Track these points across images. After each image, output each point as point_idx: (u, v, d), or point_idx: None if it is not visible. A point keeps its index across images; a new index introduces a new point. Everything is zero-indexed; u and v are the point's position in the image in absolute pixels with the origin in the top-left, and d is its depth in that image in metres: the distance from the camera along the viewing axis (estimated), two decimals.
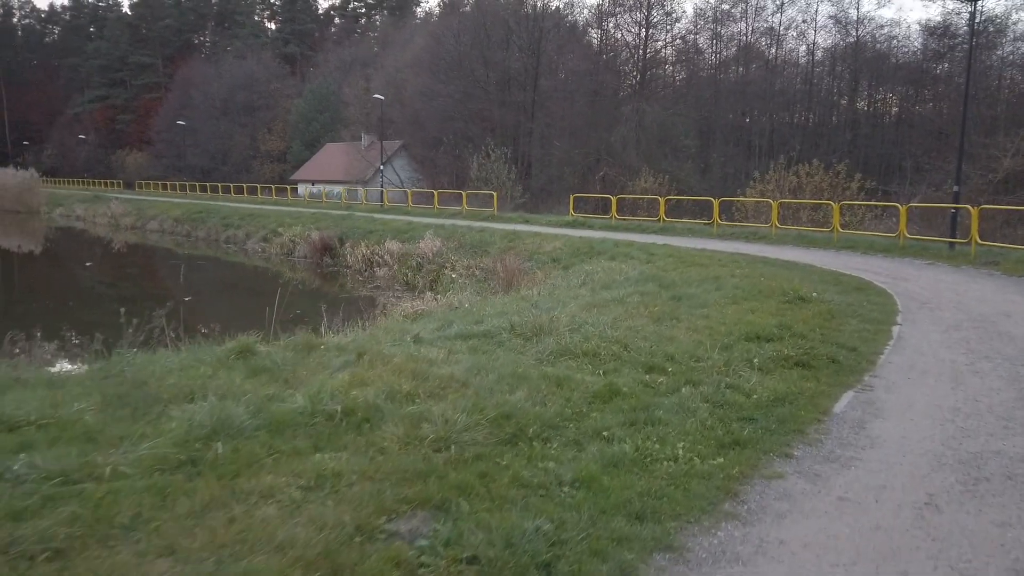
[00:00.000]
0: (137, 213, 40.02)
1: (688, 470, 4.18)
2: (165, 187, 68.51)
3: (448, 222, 26.15)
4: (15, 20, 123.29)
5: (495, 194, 31.58)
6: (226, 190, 59.78)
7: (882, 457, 4.66)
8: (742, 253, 17.88)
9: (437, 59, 50.64)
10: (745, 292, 10.85)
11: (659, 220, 25.47)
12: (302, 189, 61.08)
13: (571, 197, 29.05)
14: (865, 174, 36.35)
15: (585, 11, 66.32)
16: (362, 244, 22.11)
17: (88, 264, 26.10)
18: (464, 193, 32.92)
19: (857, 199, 28.05)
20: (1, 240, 37.92)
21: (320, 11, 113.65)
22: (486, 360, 6.21)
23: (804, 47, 58.25)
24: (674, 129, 40.24)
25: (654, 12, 47.43)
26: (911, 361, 7.28)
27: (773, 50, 56.30)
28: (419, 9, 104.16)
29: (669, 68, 48.98)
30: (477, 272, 16.51)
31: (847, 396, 6.01)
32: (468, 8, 56.62)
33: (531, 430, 4.60)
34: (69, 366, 7.94)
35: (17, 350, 7.34)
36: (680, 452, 4.38)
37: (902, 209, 18.04)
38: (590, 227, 26.50)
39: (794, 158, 30.31)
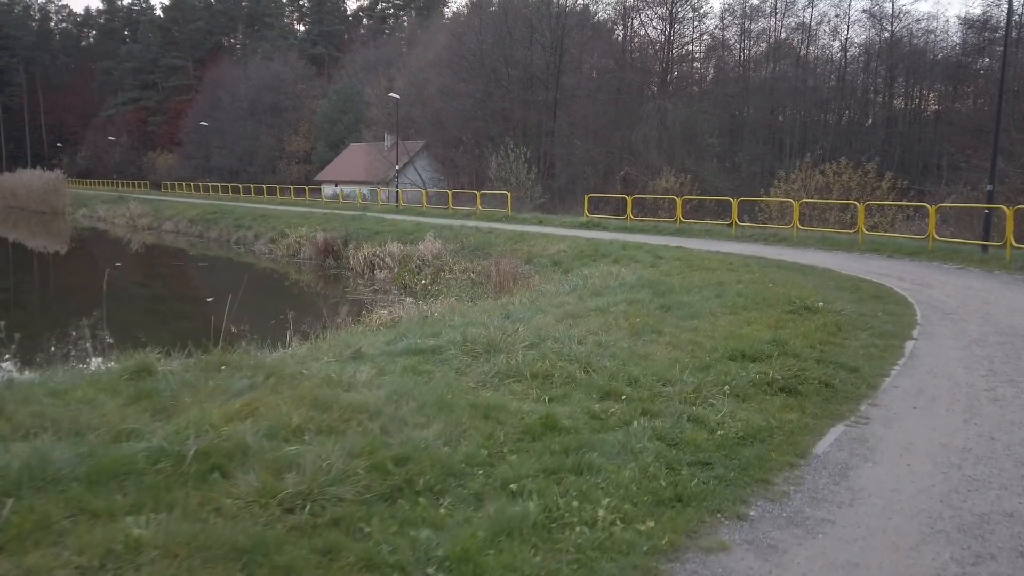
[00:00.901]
0: (154, 214, 39.93)
1: (604, 540, 3.30)
2: (189, 188, 68.88)
3: (458, 223, 25.39)
4: (52, 24, 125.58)
5: (509, 194, 30.74)
6: (249, 191, 59.80)
7: (862, 519, 3.73)
8: (758, 256, 16.84)
9: (459, 58, 49.98)
10: (747, 300, 9.88)
11: (676, 221, 24.40)
12: (328, 190, 60.92)
13: (586, 197, 28.10)
14: (899, 174, 34.88)
15: (609, 8, 65.07)
16: (364, 246, 21.42)
17: (117, 265, 25.87)
18: (478, 193, 32.12)
19: (888, 199, 26.70)
20: (27, 240, 38.17)
21: (348, 12, 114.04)
22: (414, 384, 5.38)
23: (837, 43, 56.56)
24: (698, 127, 39.02)
25: (680, 8, 46.25)
26: (921, 385, 6.29)
27: (804, 46, 54.62)
28: (447, 9, 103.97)
29: (696, 65, 47.72)
30: (472, 275, 15.69)
31: (835, 431, 5.06)
32: (495, 8, 55.86)
33: (424, 480, 3.76)
34: None
35: None
36: (601, 513, 3.50)
37: (931, 209, 16.82)
38: (604, 228, 25.57)
39: (821, 156, 28.98)
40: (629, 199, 25.73)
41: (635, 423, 4.83)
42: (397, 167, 42.08)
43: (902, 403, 5.75)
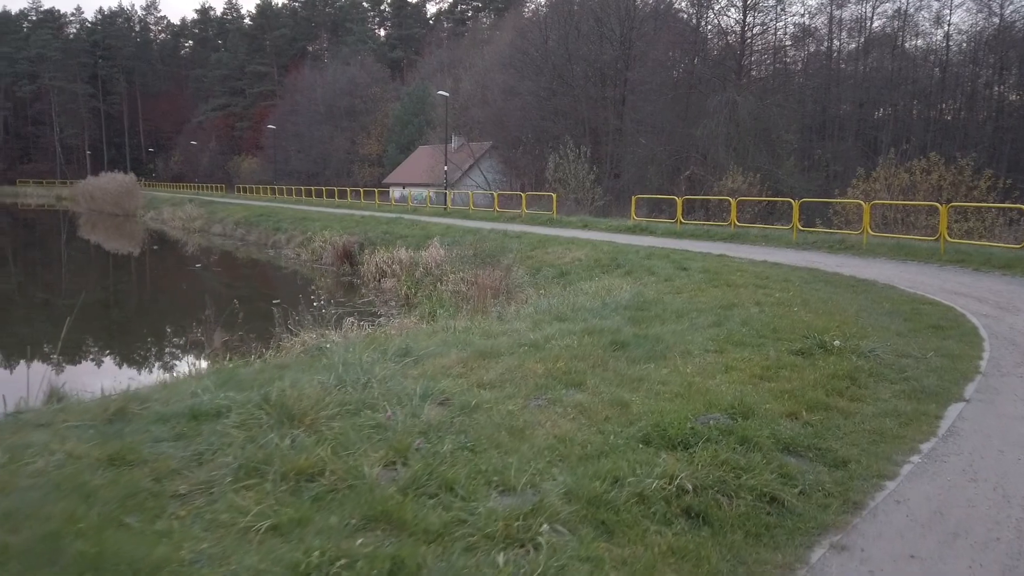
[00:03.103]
0: (207, 217, 39.81)
1: None
2: (259, 191, 69.71)
3: (491, 226, 23.44)
4: (151, 35, 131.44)
5: (554, 196, 28.55)
6: (319, 194, 59.67)
7: None
8: (812, 268, 14.12)
9: (521, 54, 48.11)
10: (749, 332, 7.50)
11: (730, 225, 21.64)
12: (396, 193, 60.15)
13: (633, 200, 25.58)
14: (1011, 173, 30.72)
15: None
16: (379, 251, 19.71)
17: (199, 265, 25.42)
18: (523, 195, 30.09)
19: (988, 200, 23.07)
20: (103, 240, 38.82)
21: (429, 15, 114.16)
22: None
23: (941, 32, 51.45)
24: (772, 122, 35.66)
25: None
26: (944, 502, 3.84)
27: (902, 34, 49.97)
28: (526, 8, 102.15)
29: (775, 56, 44.10)
30: (463, 287, 13.66)
31: None
32: (576, 6, 53.57)
33: None
34: None
35: None
36: None
37: None
38: (651, 233, 23.07)
39: (908, 152, 25.43)
40: (679, 201, 23.08)
41: None
42: (445, 168, 40.47)
43: (894, 548, 3.35)
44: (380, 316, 14.32)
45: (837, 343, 6.67)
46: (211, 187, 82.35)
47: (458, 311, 11.70)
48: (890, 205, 21.83)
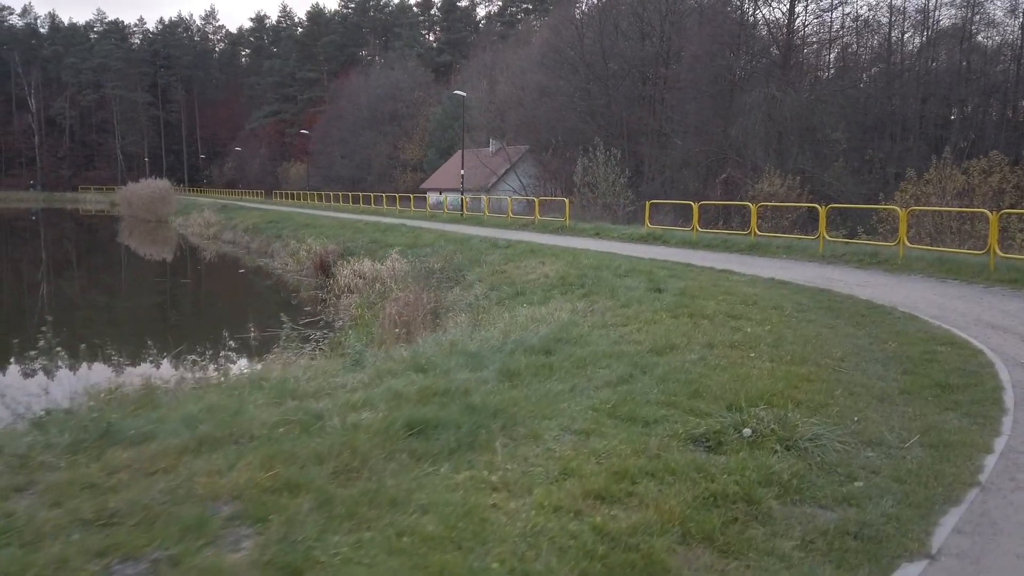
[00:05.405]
0: (222, 223, 38.98)
1: None
2: (298, 197, 69.25)
3: (488, 234, 21.45)
4: (210, 45, 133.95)
5: (567, 201, 26.36)
6: (356, 200, 58.46)
7: None
8: (824, 289, 11.67)
9: (555, 52, 45.97)
10: (659, 396, 5.36)
11: (750, 234, 19.09)
12: (433, 198, 58.66)
13: (647, 205, 23.17)
14: None
15: None
16: (352, 262, 17.89)
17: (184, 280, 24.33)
18: (537, 200, 27.99)
19: None
20: (131, 245, 38.50)
21: (479, 18, 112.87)
22: None
23: (1017, 21, 46.92)
24: (817, 120, 32.62)
25: None
26: None
27: (969, 24, 45.84)
28: (577, 9, 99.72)
29: (825, 49, 40.86)
30: (396, 309, 11.65)
31: None
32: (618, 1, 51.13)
33: None
34: None
35: None
36: None
37: None
38: (664, 242, 20.72)
39: (965, 151, 22.36)
40: (695, 207, 20.58)
41: None
42: (462, 173, 38.62)
43: None
44: (324, 340, 12.44)
45: (747, 431, 4.37)
46: (254, 193, 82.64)
47: (372, 340, 9.71)
48: (939, 212, 18.90)
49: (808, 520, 3.51)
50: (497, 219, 29.88)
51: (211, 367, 8.31)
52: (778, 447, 4.29)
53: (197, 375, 7.50)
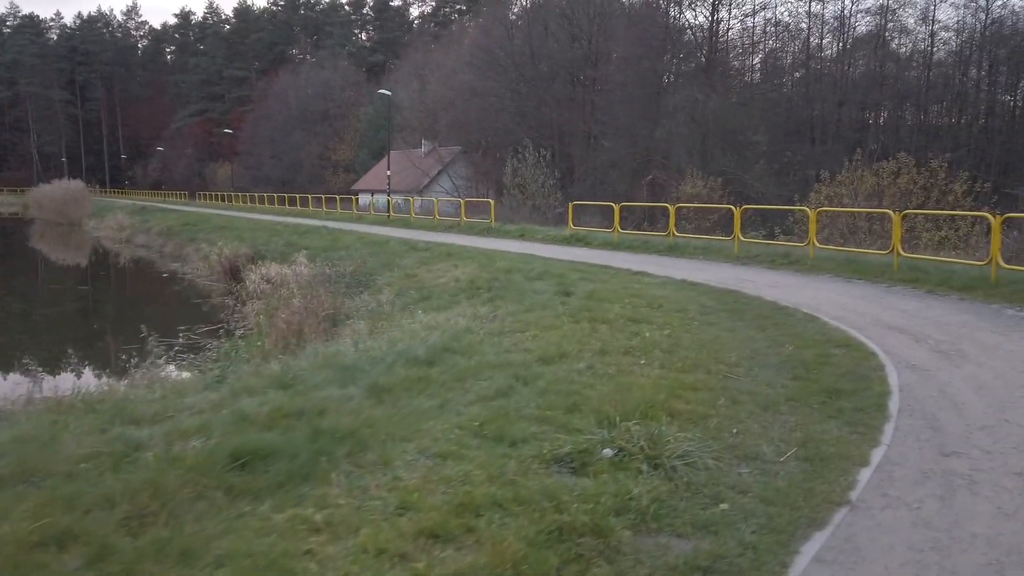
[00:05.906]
0: (136, 226, 37.32)
1: None
2: (223, 198, 67.17)
3: (408, 236, 20.93)
4: (131, 40, 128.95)
5: (492, 203, 26.05)
6: (283, 201, 56.84)
7: None
8: (732, 290, 11.60)
9: (483, 52, 45.66)
10: (536, 411, 5.06)
11: (668, 235, 19.11)
12: (363, 199, 57.49)
13: (570, 206, 23.03)
14: (1000, 177, 28.19)
15: None
16: (260, 267, 17.14)
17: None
18: (463, 201, 27.60)
19: (964, 206, 20.61)
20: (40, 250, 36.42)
21: (412, 19, 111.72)
22: None
23: (925, 29, 48.77)
24: (739, 123, 33.14)
25: None
26: None
27: (883, 31, 47.44)
28: (511, 12, 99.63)
29: (745, 53, 41.65)
30: (291, 316, 11.08)
31: None
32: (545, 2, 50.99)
33: None
34: None
35: None
36: None
37: (994, 223, 11.04)
38: (587, 244, 20.64)
39: (876, 153, 22.93)
40: (616, 207, 20.54)
41: None
42: (388, 173, 37.96)
43: None
44: (220, 350, 11.74)
45: (608, 451, 4.06)
46: (179, 195, 79.85)
47: (261, 350, 9.15)
48: (852, 213, 19.27)
49: (660, 553, 3.21)
50: (424, 221, 29.37)
51: (72, 383, 7.64)
52: (644, 467, 4.00)
53: (46, 393, 6.83)
